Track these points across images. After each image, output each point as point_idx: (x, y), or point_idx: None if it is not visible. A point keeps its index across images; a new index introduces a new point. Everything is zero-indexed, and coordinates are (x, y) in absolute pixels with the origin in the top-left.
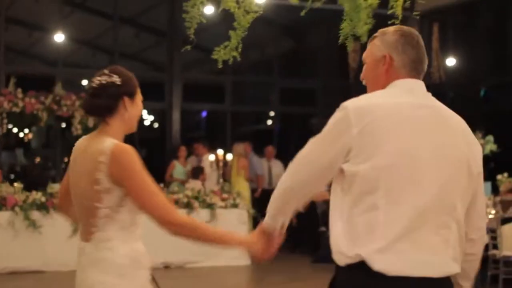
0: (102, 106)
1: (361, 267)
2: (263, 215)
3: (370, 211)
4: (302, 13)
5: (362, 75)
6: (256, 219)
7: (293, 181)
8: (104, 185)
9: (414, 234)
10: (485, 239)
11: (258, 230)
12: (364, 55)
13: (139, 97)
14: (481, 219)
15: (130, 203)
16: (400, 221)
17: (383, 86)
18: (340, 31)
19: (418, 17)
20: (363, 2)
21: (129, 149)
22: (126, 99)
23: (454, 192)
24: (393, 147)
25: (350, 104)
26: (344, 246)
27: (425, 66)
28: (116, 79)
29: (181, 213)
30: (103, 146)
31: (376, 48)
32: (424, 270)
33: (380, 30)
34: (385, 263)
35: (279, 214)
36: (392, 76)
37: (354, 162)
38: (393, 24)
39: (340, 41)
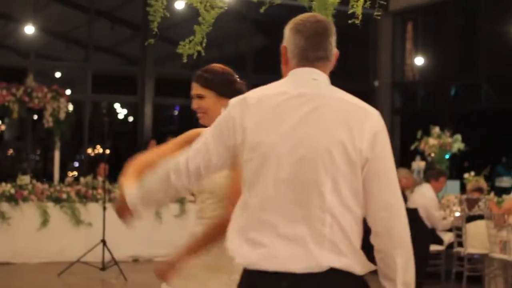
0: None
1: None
2: None
3: (240, 205)
4: (262, 10)
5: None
6: None
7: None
8: None
9: (272, 228)
10: (401, 233)
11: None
12: None
13: None
14: (382, 210)
15: None
16: (256, 215)
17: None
18: None
19: (379, 17)
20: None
21: None
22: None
23: (321, 184)
24: (251, 141)
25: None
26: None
27: (322, 53)
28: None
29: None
30: None
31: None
32: (283, 265)
33: None
34: (243, 257)
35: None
36: (289, 68)
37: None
38: (353, 23)
39: None
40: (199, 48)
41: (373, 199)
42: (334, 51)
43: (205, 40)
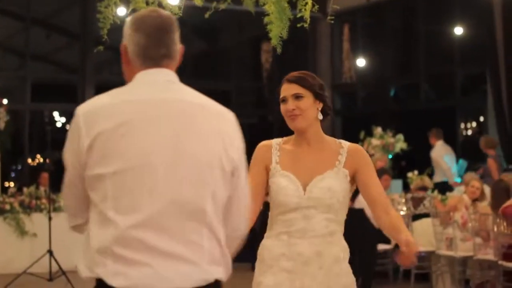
0: None
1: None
2: None
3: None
4: (207, 15)
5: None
6: None
7: None
8: None
9: (151, 246)
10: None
11: None
12: None
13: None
14: (240, 221)
15: None
16: (128, 232)
17: (129, 80)
18: (270, 34)
19: (332, 22)
20: (286, 5)
21: None
22: None
23: (202, 197)
24: (121, 155)
25: (81, 109)
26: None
27: (165, 51)
28: None
29: None
30: None
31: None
32: (172, 283)
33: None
34: (121, 277)
35: None
36: (133, 69)
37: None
38: (300, 27)
39: (274, 43)
40: None
41: (233, 210)
42: (179, 48)
43: None
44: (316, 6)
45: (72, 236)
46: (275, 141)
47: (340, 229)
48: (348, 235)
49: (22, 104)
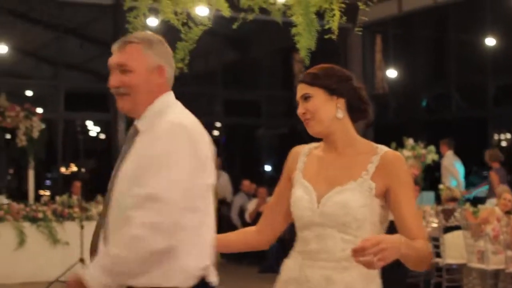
0: None
1: None
2: None
3: None
4: (235, 26)
5: (117, 82)
6: None
7: None
8: None
9: None
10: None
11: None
12: (124, 59)
13: None
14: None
15: None
16: None
17: (154, 97)
18: (298, 45)
19: (360, 33)
20: (315, 17)
21: None
22: None
23: None
24: None
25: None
26: None
27: None
28: None
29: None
30: None
31: (148, 57)
32: None
33: (141, 37)
34: None
35: None
36: (163, 89)
37: None
38: (330, 38)
39: (302, 54)
40: (180, 65)
41: None
42: None
43: (187, 57)
44: (344, 18)
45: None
46: (308, 146)
47: None
48: None
49: (55, 113)
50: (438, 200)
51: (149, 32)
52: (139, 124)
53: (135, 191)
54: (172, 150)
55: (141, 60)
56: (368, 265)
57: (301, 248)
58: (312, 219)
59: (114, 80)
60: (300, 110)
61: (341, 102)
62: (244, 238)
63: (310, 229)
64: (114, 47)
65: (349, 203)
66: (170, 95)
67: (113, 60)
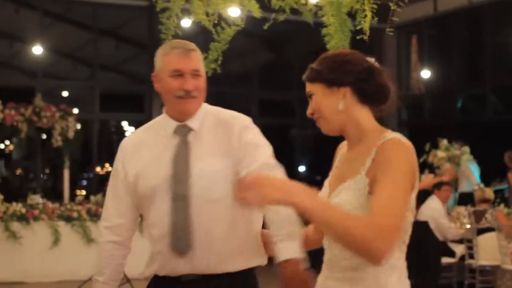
0: None
1: None
2: None
3: None
4: (265, 26)
5: (192, 86)
6: None
7: None
8: None
9: None
10: None
11: None
12: (196, 65)
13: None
14: None
15: None
16: None
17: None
18: (328, 45)
19: (392, 33)
20: (347, 18)
21: None
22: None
23: None
24: None
25: None
26: None
27: None
28: None
29: None
30: None
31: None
32: None
33: (193, 45)
34: None
35: None
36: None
37: None
38: (361, 39)
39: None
40: (213, 65)
41: None
42: None
43: (220, 58)
44: (376, 18)
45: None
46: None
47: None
48: (411, 248)
49: (91, 114)
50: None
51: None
52: (192, 123)
53: (245, 171)
54: (261, 136)
55: (202, 66)
56: (243, 201)
57: (324, 257)
58: None
59: (190, 84)
60: (308, 112)
61: (346, 91)
62: (306, 236)
63: (325, 236)
64: (181, 54)
65: (343, 206)
66: None
67: (188, 65)
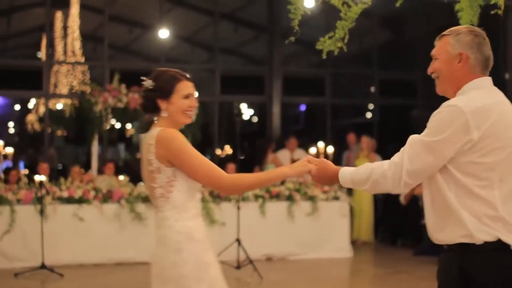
0: (144, 106)
1: None
2: None
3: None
4: (398, 4)
5: (431, 69)
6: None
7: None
8: (154, 165)
9: None
10: None
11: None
12: (436, 51)
13: (178, 95)
14: None
15: (180, 184)
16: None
17: (457, 81)
18: (460, 21)
19: None
20: None
21: (171, 132)
22: (159, 100)
23: None
24: (508, 142)
25: (465, 107)
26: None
27: (492, 63)
28: (149, 84)
29: (226, 173)
30: (152, 133)
31: (450, 46)
32: None
33: (452, 29)
34: None
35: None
36: (468, 73)
37: (476, 157)
38: (496, 14)
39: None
40: (340, 44)
41: None
42: None
43: (347, 36)
44: None
45: (259, 225)
46: None
47: None
48: None
49: (211, 96)
50: None
51: (467, 26)
52: None
53: None
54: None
55: (444, 49)
56: None
57: None
58: None
59: (429, 67)
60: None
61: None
62: None
63: None
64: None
65: None
66: (479, 81)
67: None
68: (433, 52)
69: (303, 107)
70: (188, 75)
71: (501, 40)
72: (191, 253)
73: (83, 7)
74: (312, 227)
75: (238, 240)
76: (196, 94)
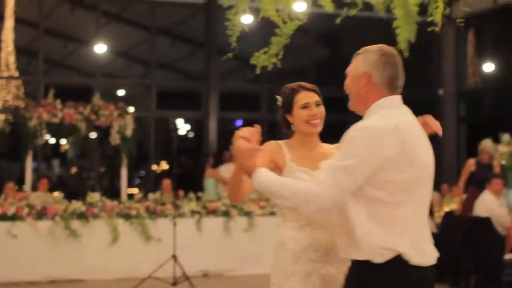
0: (280, 124)
1: None
2: None
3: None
4: (338, 21)
5: (344, 86)
6: None
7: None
8: None
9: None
10: None
11: None
12: (348, 69)
13: (296, 107)
14: None
15: None
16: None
17: (363, 99)
18: (398, 37)
19: (462, 24)
20: (414, 8)
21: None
22: (287, 115)
23: None
24: (421, 161)
25: (375, 128)
26: None
27: (402, 82)
28: (279, 101)
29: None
30: None
31: (359, 65)
32: None
33: (366, 48)
34: None
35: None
36: (371, 92)
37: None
38: (432, 31)
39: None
40: (274, 59)
41: None
42: None
43: (281, 52)
44: (448, 9)
45: (196, 241)
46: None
47: None
48: (473, 246)
49: (147, 112)
50: None
51: (380, 45)
52: None
53: None
54: None
55: (354, 67)
56: None
57: None
58: None
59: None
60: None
61: None
62: None
63: None
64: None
65: None
66: (385, 100)
67: None
68: (347, 70)
69: (239, 123)
70: (308, 86)
71: (435, 57)
72: (277, 260)
73: (18, 20)
74: (249, 242)
75: (174, 256)
76: (132, 109)
